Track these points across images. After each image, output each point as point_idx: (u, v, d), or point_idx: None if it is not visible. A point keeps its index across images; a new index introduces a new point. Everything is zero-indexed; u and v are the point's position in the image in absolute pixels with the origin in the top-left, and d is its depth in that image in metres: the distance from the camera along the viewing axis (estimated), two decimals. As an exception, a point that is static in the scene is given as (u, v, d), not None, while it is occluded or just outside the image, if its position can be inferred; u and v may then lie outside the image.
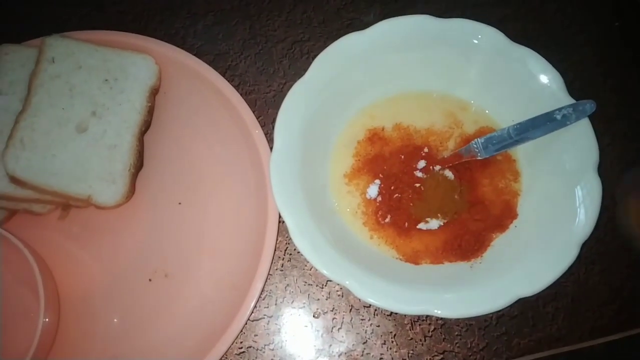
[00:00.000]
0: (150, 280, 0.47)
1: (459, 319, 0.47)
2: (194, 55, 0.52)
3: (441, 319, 0.47)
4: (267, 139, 0.48)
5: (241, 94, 0.50)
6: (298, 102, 0.45)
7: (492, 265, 0.44)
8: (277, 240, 0.47)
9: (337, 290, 0.48)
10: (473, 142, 0.46)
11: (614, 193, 0.50)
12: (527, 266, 0.42)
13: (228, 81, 0.51)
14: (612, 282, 0.48)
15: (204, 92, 0.51)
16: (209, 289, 0.46)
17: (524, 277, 0.41)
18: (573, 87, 0.46)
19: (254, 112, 0.50)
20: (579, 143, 0.44)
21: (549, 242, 0.43)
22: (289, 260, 0.49)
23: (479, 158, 0.46)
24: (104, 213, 0.48)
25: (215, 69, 0.51)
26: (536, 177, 0.47)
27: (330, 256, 0.42)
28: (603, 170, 0.44)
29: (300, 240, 0.41)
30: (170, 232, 0.48)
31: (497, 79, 0.47)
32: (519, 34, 0.47)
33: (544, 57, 0.46)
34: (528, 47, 0.46)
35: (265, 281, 0.45)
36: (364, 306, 0.47)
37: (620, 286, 0.48)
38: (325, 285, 0.48)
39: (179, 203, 0.49)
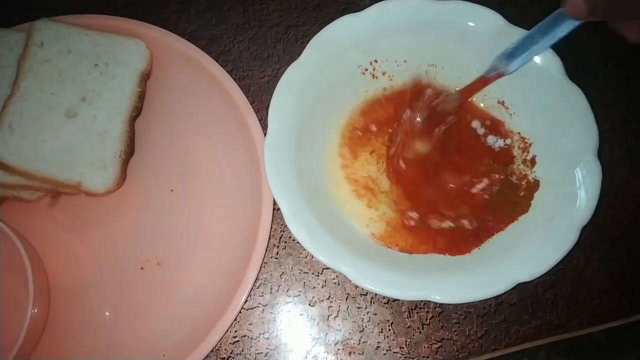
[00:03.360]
0: (142, 268, 0.46)
1: (457, 306, 0.46)
2: (187, 39, 0.51)
3: (439, 306, 0.46)
4: (261, 125, 0.47)
5: (234, 79, 0.49)
6: (292, 85, 0.44)
7: (490, 250, 0.43)
8: (271, 227, 0.46)
9: (333, 278, 0.47)
10: (495, 58, 0.43)
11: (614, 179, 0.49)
12: (526, 251, 0.41)
13: (221, 66, 0.50)
14: (612, 269, 0.48)
15: (197, 78, 0.50)
16: (202, 277, 0.45)
17: (523, 262, 0.41)
18: (572, 71, 0.45)
19: (247, 97, 0.49)
20: (578, 126, 0.43)
21: (548, 227, 0.42)
22: (284, 248, 0.48)
23: (508, 74, 0.43)
24: (95, 200, 0.47)
25: (208, 54, 0.50)
26: (535, 162, 0.46)
27: (326, 242, 0.41)
28: (603, 156, 0.43)
29: (296, 226, 0.41)
30: (162, 220, 0.47)
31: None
32: (517, 17, 0.46)
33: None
34: (526, 29, 0.45)
35: (260, 269, 0.45)
36: (361, 294, 0.46)
37: (620, 273, 0.48)
38: (321, 273, 0.47)
39: (171, 190, 0.48)
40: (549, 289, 0.47)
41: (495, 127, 0.47)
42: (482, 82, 0.45)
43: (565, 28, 0.40)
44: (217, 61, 0.50)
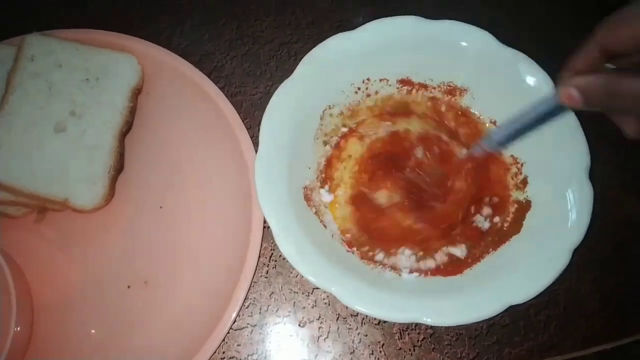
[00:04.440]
0: (129, 287, 0.45)
1: (448, 327, 0.45)
2: (179, 55, 0.51)
3: (431, 328, 0.45)
4: (252, 142, 0.47)
5: (227, 96, 0.49)
6: (284, 102, 0.44)
7: (482, 271, 0.43)
8: (262, 246, 0.45)
9: (324, 299, 0.46)
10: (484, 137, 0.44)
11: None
12: (518, 273, 0.41)
13: (213, 82, 0.50)
14: (605, 290, 0.47)
15: (188, 93, 0.49)
16: (190, 297, 0.45)
17: (515, 284, 0.40)
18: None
19: (239, 114, 0.49)
20: (569, 145, 0.43)
21: (540, 248, 0.42)
22: (274, 267, 0.47)
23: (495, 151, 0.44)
24: (82, 217, 0.46)
25: (201, 69, 0.50)
26: (527, 182, 0.46)
27: (316, 262, 0.40)
28: (594, 175, 0.43)
29: (286, 245, 0.40)
30: (150, 237, 0.46)
31: (487, 82, 0.46)
32: (509, 37, 0.46)
33: (534, 59, 0.45)
34: (518, 49, 0.45)
35: (249, 288, 0.44)
36: (351, 315, 0.46)
37: (613, 294, 0.47)
38: (312, 293, 0.46)
39: (160, 207, 0.47)
40: (542, 310, 0.47)
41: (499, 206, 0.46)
42: (468, 159, 0.45)
43: (555, 111, 0.40)
44: (209, 77, 0.50)
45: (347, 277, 0.40)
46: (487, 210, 0.46)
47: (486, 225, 0.45)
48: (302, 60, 0.45)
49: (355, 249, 0.44)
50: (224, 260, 0.45)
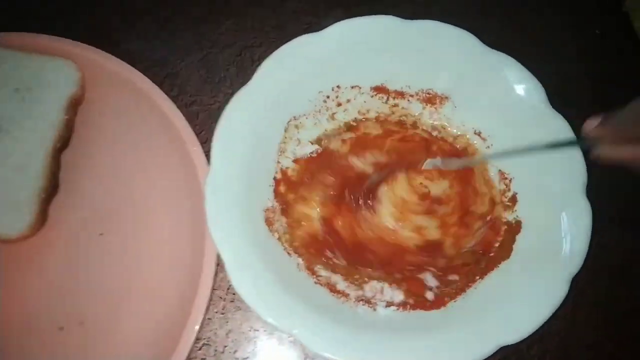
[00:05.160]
0: (61, 329, 0.39)
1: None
2: (127, 61, 0.45)
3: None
4: (207, 158, 0.41)
5: (181, 106, 0.44)
6: (241, 113, 0.39)
7: (468, 304, 0.38)
8: (217, 277, 0.39)
9: (289, 337, 0.40)
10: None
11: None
12: (509, 307, 0.36)
13: (166, 91, 0.44)
14: (605, 317, 0.43)
15: (135, 104, 0.43)
16: (133, 338, 0.39)
17: (506, 320, 0.35)
18: (555, 98, 0.40)
19: (195, 126, 0.43)
20: (563, 161, 0.39)
21: (534, 277, 0.37)
22: (232, 301, 0.41)
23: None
24: (6, 248, 0.40)
25: (152, 77, 0.44)
26: (516, 200, 0.41)
27: (277, 300, 0.35)
28: (589, 190, 0.38)
29: (240, 281, 0.35)
30: (88, 270, 0.41)
31: (470, 89, 0.41)
32: (495, 40, 0.41)
33: (523, 64, 0.40)
34: (506, 53, 0.41)
35: (202, 327, 0.38)
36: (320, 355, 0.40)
37: (614, 321, 0.43)
38: (275, 331, 0.40)
39: (100, 234, 0.41)
40: (535, 343, 0.41)
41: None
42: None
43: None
44: (161, 85, 0.44)
45: (312, 316, 0.35)
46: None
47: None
48: (261, 66, 0.40)
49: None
50: (172, 295, 0.39)
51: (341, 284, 0.39)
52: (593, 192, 0.38)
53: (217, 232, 0.35)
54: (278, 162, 0.41)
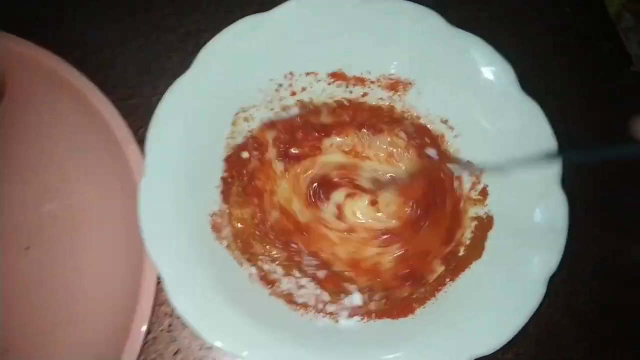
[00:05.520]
0: (-19, 358, 0.34)
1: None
2: (55, 52, 0.40)
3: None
4: (146, 158, 0.37)
5: (117, 100, 0.39)
6: (179, 107, 0.34)
7: (438, 310, 0.35)
8: (163, 292, 0.35)
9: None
10: None
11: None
12: (482, 313, 0.33)
13: (100, 83, 0.39)
14: (582, 315, 0.40)
15: (62, 99, 0.39)
16: (65, 366, 0.34)
17: (479, 327, 0.32)
18: (526, 82, 0.37)
19: (133, 122, 0.39)
20: (536, 149, 0.36)
21: (508, 277, 0.34)
22: (179, 317, 0.37)
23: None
24: None
25: (84, 67, 0.39)
26: (487, 193, 0.38)
27: (223, 317, 0.31)
28: (564, 180, 0.35)
29: (179, 298, 0.31)
30: (12, 288, 0.36)
31: (434, 73, 0.38)
32: (461, 18, 0.38)
33: (491, 45, 0.37)
34: (474, 33, 0.37)
35: (145, 347, 0.34)
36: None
37: (592, 319, 0.40)
38: (228, 348, 0.37)
39: (26, 248, 0.37)
40: (510, 347, 0.38)
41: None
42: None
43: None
44: (94, 77, 0.40)
45: (265, 335, 0.31)
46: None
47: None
48: (200, 51, 0.35)
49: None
50: (110, 313, 0.35)
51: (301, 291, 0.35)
52: (567, 181, 0.36)
53: (153, 244, 0.31)
54: (225, 159, 0.37)
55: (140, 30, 0.44)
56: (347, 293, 0.35)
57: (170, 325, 0.37)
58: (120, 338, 0.33)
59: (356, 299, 0.35)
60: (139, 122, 0.41)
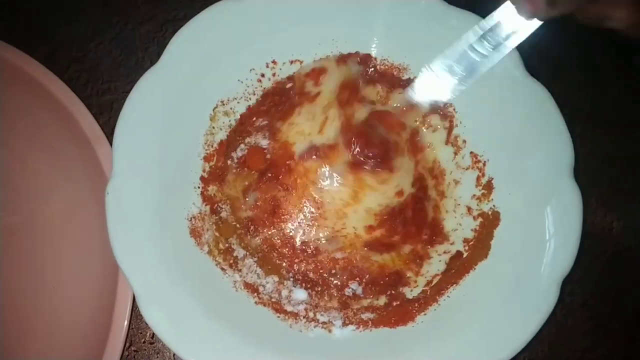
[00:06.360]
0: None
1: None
2: (23, 48, 0.37)
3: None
4: (119, 158, 0.34)
5: (91, 95, 0.38)
6: (148, 102, 0.31)
7: (441, 318, 0.32)
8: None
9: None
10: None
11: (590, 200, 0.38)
12: (491, 321, 0.30)
13: (71, 79, 0.38)
14: (597, 319, 0.37)
15: (29, 97, 0.37)
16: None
17: (487, 338, 0.29)
18: (531, 64, 0.34)
19: (109, 119, 0.38)
20: (545, 137, 0.33)
21: (517, 281, 0.31)
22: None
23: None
24: None
25: (55, 63, 0.39)
26: (492, 187, 0.34)
27: (202, 331, 0.28)
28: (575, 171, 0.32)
29: (152, 312, 0.28)
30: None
31: (432, 55, 0.34)
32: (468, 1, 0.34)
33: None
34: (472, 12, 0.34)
35: (125, 362, 0.31)
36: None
37: (608, 322, 0.37)
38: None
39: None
40: (522, 352, 0.35)
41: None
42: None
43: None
44: (66, 72, 0.38)
45: (248, 349, 0.28)
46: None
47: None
48: (171, 40, 0.32)
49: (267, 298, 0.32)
50: (82, 328, 0.32)
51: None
52: (579, 173, 0.32)
53: (122, 255, 0.28)
54: (205, 157, 0.34)
55: (113, 21, 0.41)
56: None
57: (152, 336, 0.34)
58: (95, 354, 0.31)
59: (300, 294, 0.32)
60: (114, 119, 0.38)
